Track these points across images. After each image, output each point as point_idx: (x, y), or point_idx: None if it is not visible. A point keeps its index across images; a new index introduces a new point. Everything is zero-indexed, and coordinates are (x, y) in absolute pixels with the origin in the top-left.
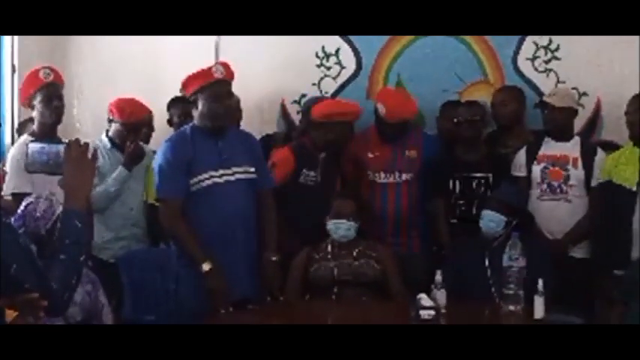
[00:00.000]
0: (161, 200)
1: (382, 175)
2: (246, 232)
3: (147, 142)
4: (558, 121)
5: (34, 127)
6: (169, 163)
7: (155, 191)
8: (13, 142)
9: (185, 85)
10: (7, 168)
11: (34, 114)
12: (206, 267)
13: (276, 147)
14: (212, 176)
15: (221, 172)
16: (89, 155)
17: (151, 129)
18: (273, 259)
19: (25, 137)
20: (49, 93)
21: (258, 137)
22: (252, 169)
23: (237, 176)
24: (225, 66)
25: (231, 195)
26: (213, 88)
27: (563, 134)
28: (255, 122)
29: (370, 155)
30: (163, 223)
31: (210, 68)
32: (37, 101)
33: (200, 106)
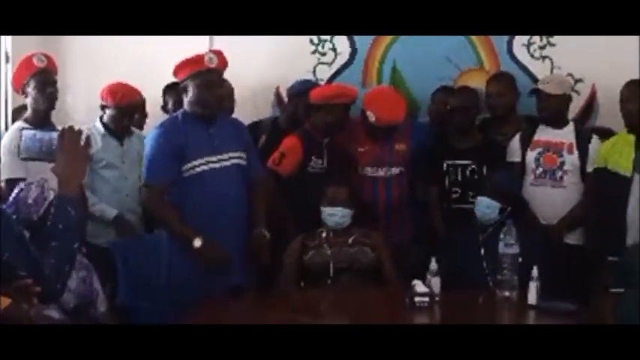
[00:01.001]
0: (147, 185)
1: (372, 169)
2: (241, 218)
3: (140, 127)
4: (553, 108)
5: (28, 113)
6: (159, 149)
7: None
8: (7, 130)
9: (177, 71)
10: (1, 155)
11: (28, 100)
12: (197, 243)
13: (263, 134)
14: (207, 162)
15: (212, 158)
16: (82, 142)
17: (144, 114)
18: (264, 232)
19: (18, 124)
20: (42, 79)
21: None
22: (243, 155)
23: (232, 162)
24: (219, 54)
25: (223, 181)
26: (204, 77)
27: (557, 121)
28: (249, 110)
29: (360, 149)
30: (149, 208)
31: (202, 56)
32: (30, 87)
33: (190, 93)
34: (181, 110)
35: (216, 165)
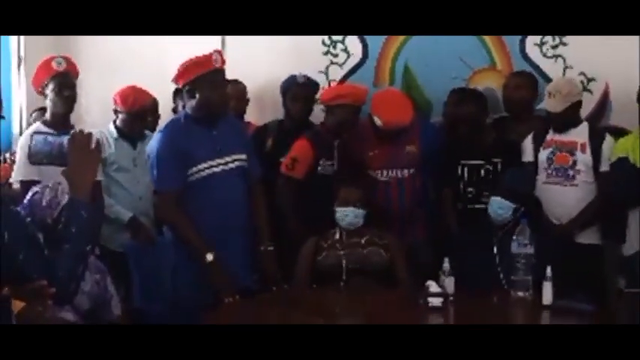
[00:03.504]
0: (157, 193)
1: (384, 172)
2: (244, 221)
3: (153, 129)
4: (560, 120)
5: (47, 115)
6: (164, 155)
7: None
8: (21, 133)
9: (182, 73)
10: (17, 156)
11: (47, 102)
12: (210, 257)
13: (270, 137)
14: (210, 166)
15: (218, 161)
16: (92, 145)
17: (157, 116)
18: (270, 248)
19: (35, 126)
20: (60, 82)
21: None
22: (245, 157)
23: (236, 164)
24: (221, 54)
25: (229, 184)
26: (212, 77)
27: (568, 127)
28: (261, 110)
29: (370, 153)
30: (160, 215)
31: (209, 56)
32: (49, 90)
33: (198, 95)
34: (183, 112)
35: (221, 168)
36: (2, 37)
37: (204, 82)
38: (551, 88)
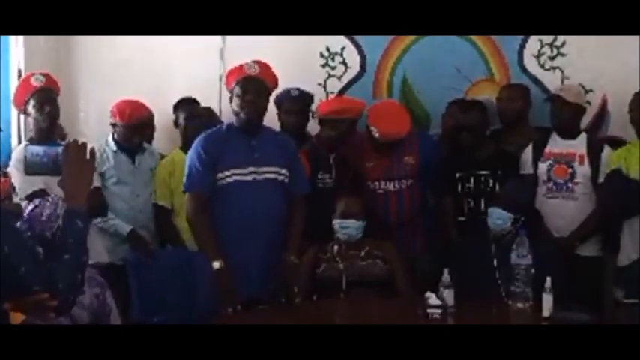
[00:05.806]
0: (186, 193)
1: (382, 184)
2: (268, 233)
3: (149, 142)
4: (566, 117)
5: (32, 133)
6: (197, 159)
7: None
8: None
9: (226, 79)
10: (14, 175)
11: (30, 120)
12: (216, 265)
13: None
14: (239, 174)
15: (250, 169)
16: (87, 154)
17: (152, 129)
18: (294, 261)
19: (24, 144)
20: (40, 99)
21: None
22: (284, 171)
23: (267, 176)
24: (263, 66)
25: (256, 194)
26: (241, 84)
27: (570, 130)
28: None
29: (368, 164)
30: (187, 216)
31: (243, 64)
32: (30, 107)
33: (232, 102)
34: (229, 121)
35: (252, 177)
36: (1, 51)
37: (236, 88)
38: (563, 86)
